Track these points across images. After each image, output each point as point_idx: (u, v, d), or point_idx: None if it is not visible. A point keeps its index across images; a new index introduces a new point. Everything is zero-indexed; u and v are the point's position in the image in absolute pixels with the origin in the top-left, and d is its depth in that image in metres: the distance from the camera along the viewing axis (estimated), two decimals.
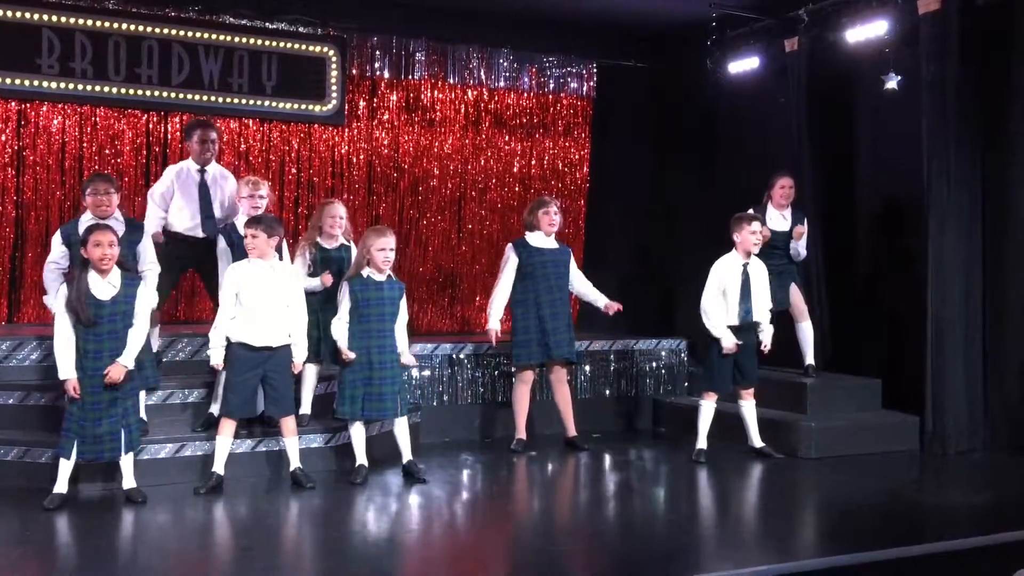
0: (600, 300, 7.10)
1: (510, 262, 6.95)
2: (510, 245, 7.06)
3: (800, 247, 7.32)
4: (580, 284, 7.16)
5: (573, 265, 7.13)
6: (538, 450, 7.00)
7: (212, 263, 6.25)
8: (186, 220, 6.46)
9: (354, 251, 6.29)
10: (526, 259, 6.90)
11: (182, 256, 6.44)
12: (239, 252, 5.97)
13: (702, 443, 6.75)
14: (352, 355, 5.89)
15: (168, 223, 6.47)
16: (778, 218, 7.30)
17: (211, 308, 6.66)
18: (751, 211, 7.02)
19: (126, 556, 4.74)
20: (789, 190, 7.31)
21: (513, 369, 7.16)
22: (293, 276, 5.92)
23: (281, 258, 5.99)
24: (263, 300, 5.68)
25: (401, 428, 6.09)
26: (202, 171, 6.55)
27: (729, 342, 6.58)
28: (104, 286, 5.28)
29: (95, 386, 5.28)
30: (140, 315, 5.41)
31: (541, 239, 6.96)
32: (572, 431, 7.12)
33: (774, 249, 7.15)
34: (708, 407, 6.75)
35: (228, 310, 5.71)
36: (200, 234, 6.46)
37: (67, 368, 5.26)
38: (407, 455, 6.09)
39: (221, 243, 6.19)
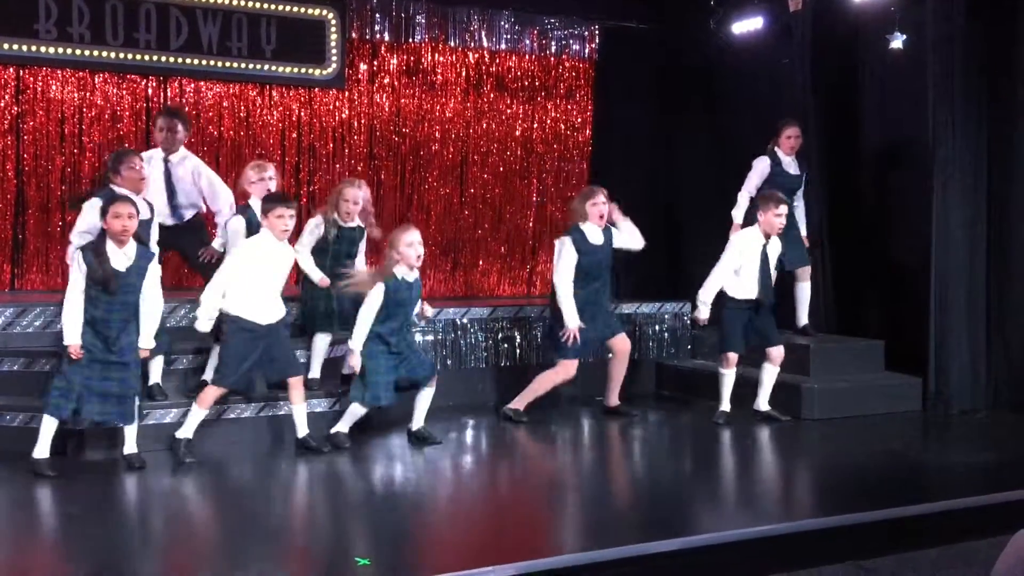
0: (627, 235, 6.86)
1: (569, 256, 6.57)
2: (568, 239, 6.61)
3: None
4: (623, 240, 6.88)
5: (615, 238, 6.80)
6: (533, 413, 6.88)
7: (193, 241, 6.33)
8: (157, 208, 6.35)
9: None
10: (584, 257, 6.60)
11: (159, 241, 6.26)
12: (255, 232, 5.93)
13: (725, 406, 6.74)
14: (357, 364, 5.84)
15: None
16: (790, 164, 7.39)
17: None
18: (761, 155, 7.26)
19: (129, 520, 4.78)
20: (796, 140, 7.36)
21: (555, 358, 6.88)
22: (290, 252, 5.91)
23: None
24: (273, 279, 5.71)
25: (425, 394, 6.10)
26: (167, 160, 6.48)
27: (702, 316, 6.69)
28: (120, 256, 5.30)
29: (99, 348, 5.28)
30: (152, 290, 5.42)
31: (595, 232, 6.65)
32: (614, 399, 7.01)
33: (790, 192, 7.15)
34: (729, 375, 6.72)
35: (230, 278, 5.65)
36: (169, 222, 6.44)
37: (74, 334, 5.26)
38: (417, 422, 6.11)
39: (240, 224, 6.02)
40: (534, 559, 3.97)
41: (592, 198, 6.67)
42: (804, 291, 7.48)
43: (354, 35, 8.51)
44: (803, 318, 7.51)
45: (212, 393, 5.67)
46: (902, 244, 7.66)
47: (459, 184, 9.07)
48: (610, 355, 6.98)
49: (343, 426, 5.99)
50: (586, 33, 9.29)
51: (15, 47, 7.39)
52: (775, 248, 6.70)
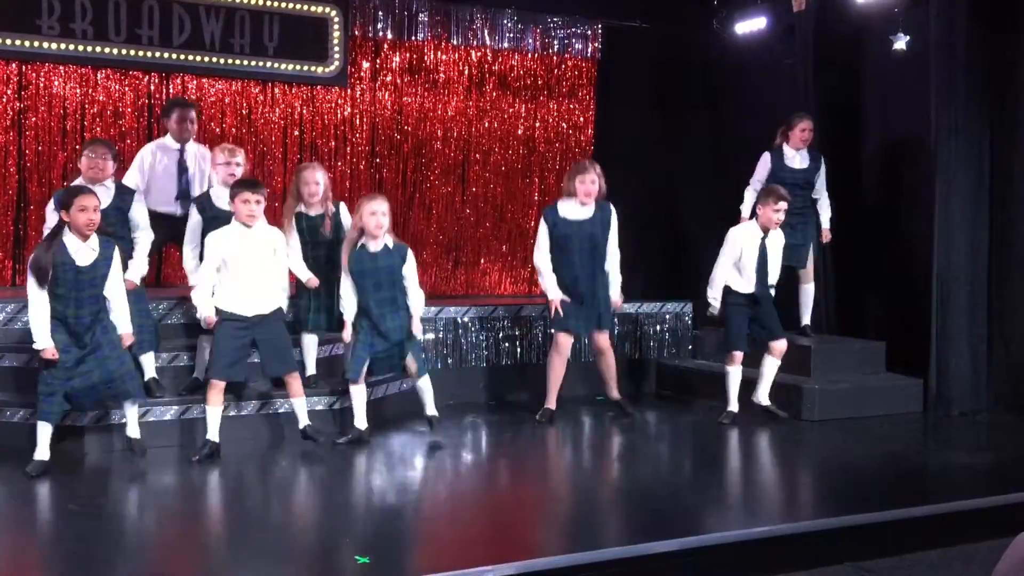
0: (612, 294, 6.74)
1: (542, 229, 6.68)
2: (544, 211, 6.76)
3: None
4: (610, 260, 6.71)
5: (613, 231, 6.64)
6: (533, 412, 6.89)
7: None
8: (165, 198, 6.44)
9: (343, 212, 6.22)
10: (554, 229, 6.59)
11: (158, 231, 6.24)
12: (213, 225, 5.87)
13: (733, 406, 6.72)
14: (348, 334, 5.91)
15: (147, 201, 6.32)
16: (795, 157, 7.33)
17: None
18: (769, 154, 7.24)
19: (129, 518, 4.77)
20: (809, 133, 7.32)
21: (552, 331, 6.94)
22: (274, 235, 5.73)
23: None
24: (250, 267, 5.57)
25: (420, 385, 6.13)
26: (181, 150, 6.50)
27: (716, 312, 6.73)
28: (85, 251, 5.16)
29: (74, 348, 5.19)
30: (115, 276, 5.28)
31: (574, 208, 6.57)
32: (614, 394, 6.94)
33: (793, 186, 7.10)
34: (735, 373, 6.70)
35: (209, 275, 5.60)
36: (178, 212, 6.46)
37: (44, 337, 5.13)
38: (430, 409, 6.14)
39: (194, 216, 6.08)
40: (534, 559, 3.97)
41: (581, 174, 6.54)
42: (807, 293, 7.50)
43: (356, 33, 8.50)
44: (805, 318, 7.53)
45: (212, 388, 5.61)
46: (904, 245, 7.65)
47: (461, 183, 9.06)
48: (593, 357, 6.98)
49: (358, 420, 5.93)
50: (589, 32, 9.28)
51: (17, 43, 7.38)
52: (777, 242, 6.68)
